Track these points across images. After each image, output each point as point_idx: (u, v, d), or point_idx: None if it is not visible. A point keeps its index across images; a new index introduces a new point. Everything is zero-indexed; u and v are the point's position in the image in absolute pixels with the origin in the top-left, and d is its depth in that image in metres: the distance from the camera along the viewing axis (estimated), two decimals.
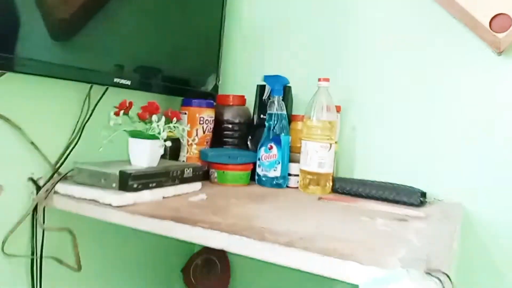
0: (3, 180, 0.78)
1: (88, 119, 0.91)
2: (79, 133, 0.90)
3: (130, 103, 0.84)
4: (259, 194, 0.97)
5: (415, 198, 0.95)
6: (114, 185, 0.78)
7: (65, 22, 0.81)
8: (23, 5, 0.73)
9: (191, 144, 1.02)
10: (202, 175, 0.96)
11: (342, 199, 0.98)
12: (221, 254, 1.27)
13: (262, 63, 1.29)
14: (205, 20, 1.21)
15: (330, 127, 1.03)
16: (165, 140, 0.84)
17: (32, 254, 0.81)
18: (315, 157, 1.02)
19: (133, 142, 0.84)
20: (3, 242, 0.77)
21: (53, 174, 0.84)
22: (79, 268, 0.85)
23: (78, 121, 0.90)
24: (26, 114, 0.80)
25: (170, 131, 0.88)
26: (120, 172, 0.77)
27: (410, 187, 1.01)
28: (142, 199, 0.79)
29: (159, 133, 0.82)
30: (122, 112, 0.81)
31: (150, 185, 0.82)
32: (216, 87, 1.25)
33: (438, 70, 1.07)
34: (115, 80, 0.88)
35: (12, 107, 0.77)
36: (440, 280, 0.50)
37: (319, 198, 0.97)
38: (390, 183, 1.03)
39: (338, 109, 1.14)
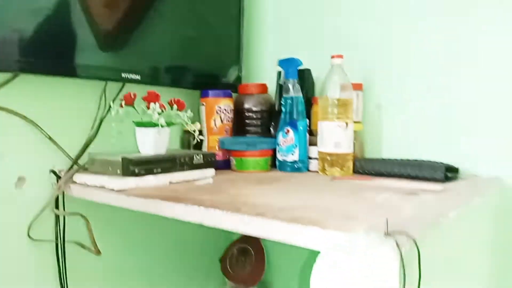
0: (27, 172, 0.86)
1: (106, 115, 0.97)
2: (97, 128, 0.97)
3: (135, 95, 0.88)
4: (272, 178, 0.95)
5: (439, 173, 0.87)
6: (118, 171, 0.82)
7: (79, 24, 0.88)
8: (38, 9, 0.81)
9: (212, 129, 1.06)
10: (213, 161, 0.97)
11: (359, 178, 0.93)
12: (256, 244, 1.26)
13: (287, 50, 1.28)
14: (223, 10, 1.23)
15: (345, 105, 0.98)
16: (168, 124, 0.86)
17: (56, 239, 0.89)
18: (331, 137, 0.98)
19: (138, 131, 0.88)
20: (29, 228, 0.85)
21: (72, 165, 0.91)
22: (98, 252, 0.90)
23: (96, 117, 0.97)
24: (43, 112, 0.88)
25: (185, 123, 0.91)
26: (122, 158, 0.82)
27: (437, 162, 0.92)
28: (146, 183, 0.83)
29: (157, 120, 0.84)
30: (123, 102, 0.85)
31: (155, 170, 0.85)
32: (239, 78, 1.26)
33: (469, 36, 0.97)
34: (123, 75, 0.93)
35: (28, 106, 0.85)
36: (397, 243, 0.46)
37: (333, 178, 0.93)
38: (415, 160, 0.95)
39: (359, 87, 1.08)
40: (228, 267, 1.26)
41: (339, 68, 1.00)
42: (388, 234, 0.48)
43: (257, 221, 0.57)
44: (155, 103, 0.85)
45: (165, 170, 0.87)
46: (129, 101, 0.87)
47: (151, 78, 1.02)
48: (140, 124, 0.87)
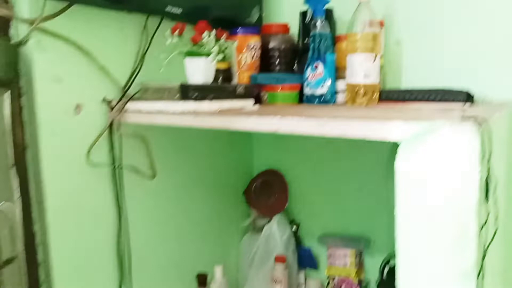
0: (83, 100, 0.90)
1: (147, 48, 1.01)
2: (141, 61, 1.00)
3: (183, 25, 0.92)
4: (310, 107, 1.03)
5: (461, 96, 0.97)
6: (176, 96, 0.87)
7: None
8: None
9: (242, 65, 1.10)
10: (253, 93, 1.03)
11: (390, 103, 1.02)
12: (278, 176, 1.36)
13: None
14: None
15: (373, 39, 1.06)
16: (218, 53, 0.91)
17: (113, 163, 0.94)
18: (360, 68, 1.06)
19: (188, 61, 0.93)
20: (88, 152, 0.90)
21: (123, 95, 0.95)
22: (154, 175, 0.96)
23: (139, 51, 1.00)
24: (94, 42, 0.91)
25: (221, 61, 0.96)
26: (181, 84, 0.87)
27: (456, 90, 1.02)
28: (201, 108, 0.88)
29: (211, 49, 0.89)
30: (177, 31, 0.89)
31: (208, 97, 0.91)
32: (260, 19, 1.30)
33: None
34: (167, 9, 0.97)
35: (82, 35, 0.88)
36: (475, 122, 0.54)
37: (366, 105, 1.01)
38: (436, 89, 1.05)
39: (381, 24, 1.16)
40: (252, 198, 1.35)
41: (366, 4, 1.07)
42: (465, 118, 0.57)
43: (336, 122, 0.65)
44: (210, 31, 0.89)
45: (215, 98, 0.92)
46: (181, 31, 0.91)
47: (185, 15, 1.05)
48: (191, 54, 0.92)
